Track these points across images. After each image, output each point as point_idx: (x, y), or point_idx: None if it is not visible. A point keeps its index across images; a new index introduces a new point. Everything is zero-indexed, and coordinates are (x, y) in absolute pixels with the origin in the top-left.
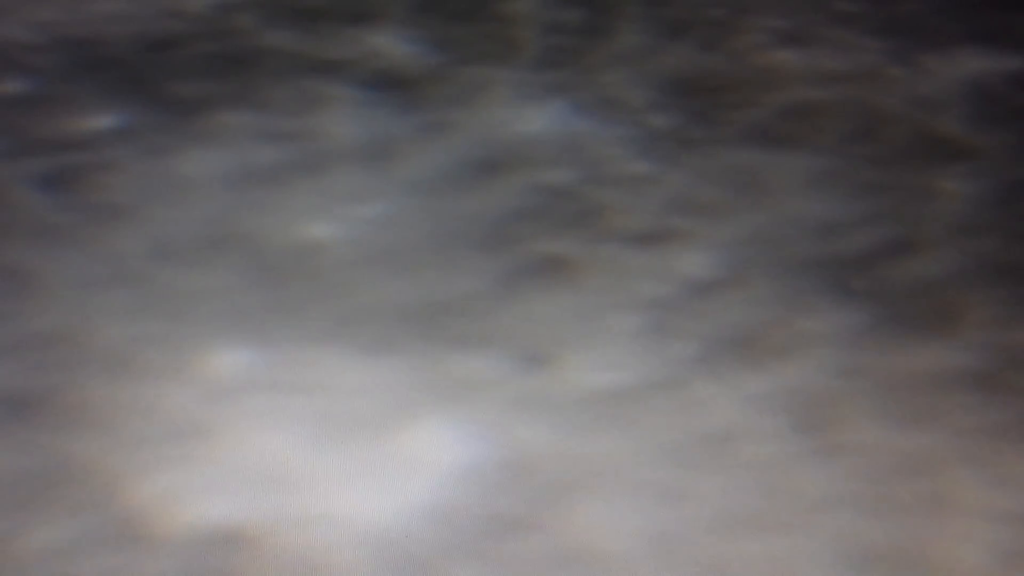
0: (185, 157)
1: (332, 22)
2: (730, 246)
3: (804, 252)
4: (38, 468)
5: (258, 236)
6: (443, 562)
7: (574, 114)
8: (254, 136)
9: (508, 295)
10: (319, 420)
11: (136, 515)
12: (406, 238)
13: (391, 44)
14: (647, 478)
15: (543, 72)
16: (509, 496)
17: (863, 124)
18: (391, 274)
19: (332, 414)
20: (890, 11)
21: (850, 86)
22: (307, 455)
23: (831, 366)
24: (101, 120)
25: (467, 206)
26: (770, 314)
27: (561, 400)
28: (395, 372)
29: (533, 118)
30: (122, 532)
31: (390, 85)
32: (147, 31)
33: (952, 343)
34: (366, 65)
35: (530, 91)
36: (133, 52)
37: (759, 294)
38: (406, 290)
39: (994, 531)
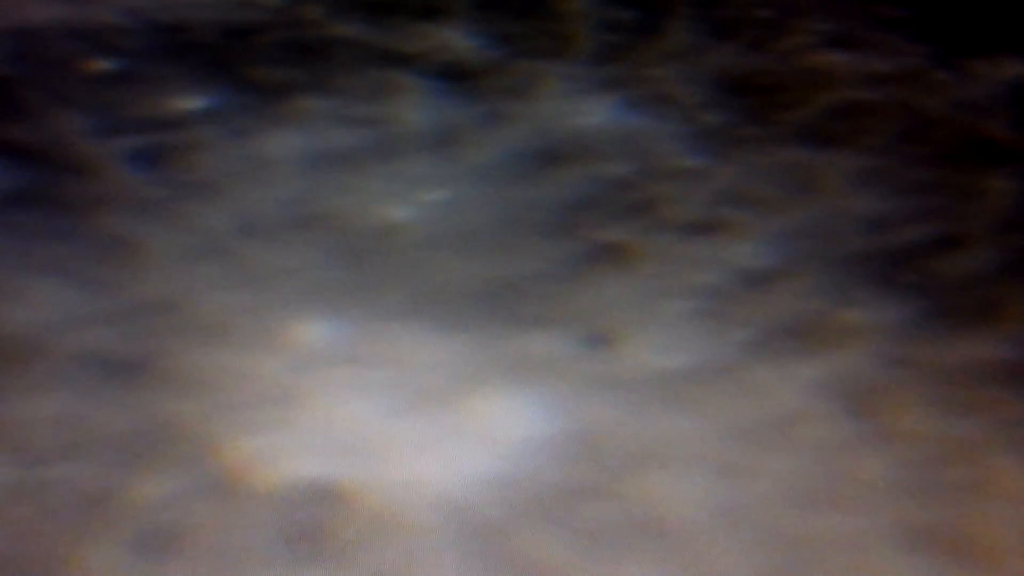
0: (267, 139)
1: (400, 16)
2: (781, 238)
3: (852, 246)
4: (141, 427)
5: (337, 216)
6: (512, 526)
7: (628, 109)
8: (330, 120)
9: (570, 278)
10: (397, 391)
11: (231, 473)
12: (474, 222)
13: (457, 38)
14: (710, 454)
15: (598, 67)
16: (576, 467)
17: (909, 125)
18: (461, 255)
19: (409, 386)
20: (932, 17)
21: (896, 88)
22: (386, 423)
23: (880, 355)
24: (188, 101)
25: (530, 193)
26: (821, 304)
27: (624, 379)
28: (467, 348)
29: (589, 111)
30: (218, 488)
31: (456, 76)
32: (226, 19)
33: (995, 336)
34: (433, 57)
35: (586, 85)
36: (214, 38)
37: (810, 285)
38: (475, 271)
39: None
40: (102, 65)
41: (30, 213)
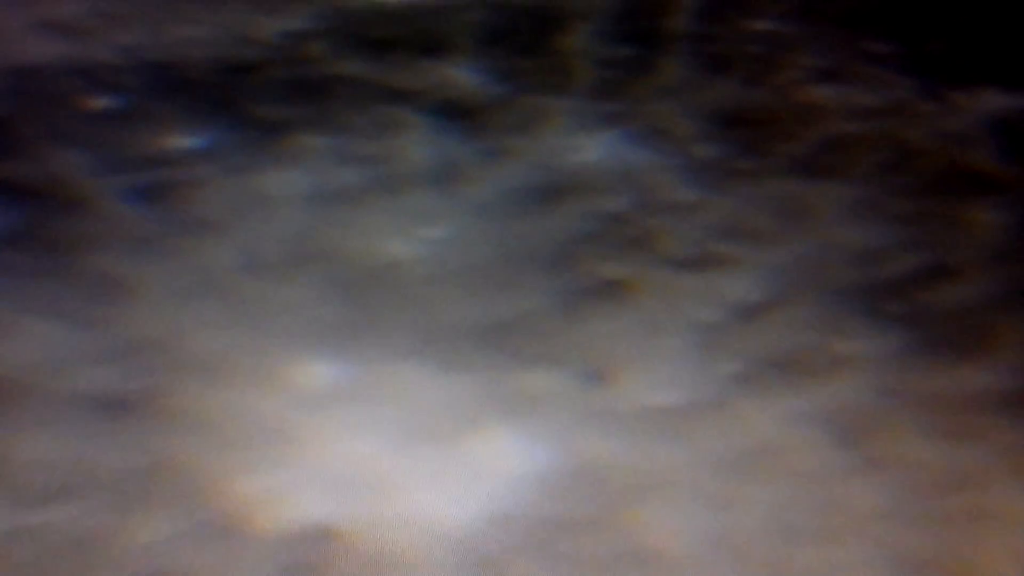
0: (266, 176)
1: (401, 53)
2: (774, 271)
3: (844, 277)
4: (138, 467)
5: (338, 253)
6: (514, 561)
7: (626, 143)
8: (331, 158)
9: (569, 314)
10: (397, 428)
11: (230, 513)
12: (475, 258)
13: (458, 75)
14: (705, 487)
15: (597, 103)
16: (574, 501)
17: (896, 156)
18: (462, 292)
19: (409, 422)
20: (918, 51)
21: (883, 121)
22: (388, 460)
23: (871, 385)
24: (186, 139)
25: (529, 229)
26: (813, 336)
27: (621, 413)
28: (468, 384)
29: (588, 146)
30: (217, 529)
31: (457, 113)
32: (225, 56)
33: (986, 365)
34: (435, 94)
35: (585, 120)
36: (213, 75)
37: (802, 316)
38: (476, 307)
39: None
40: (100, 103)
41: (27, 251)
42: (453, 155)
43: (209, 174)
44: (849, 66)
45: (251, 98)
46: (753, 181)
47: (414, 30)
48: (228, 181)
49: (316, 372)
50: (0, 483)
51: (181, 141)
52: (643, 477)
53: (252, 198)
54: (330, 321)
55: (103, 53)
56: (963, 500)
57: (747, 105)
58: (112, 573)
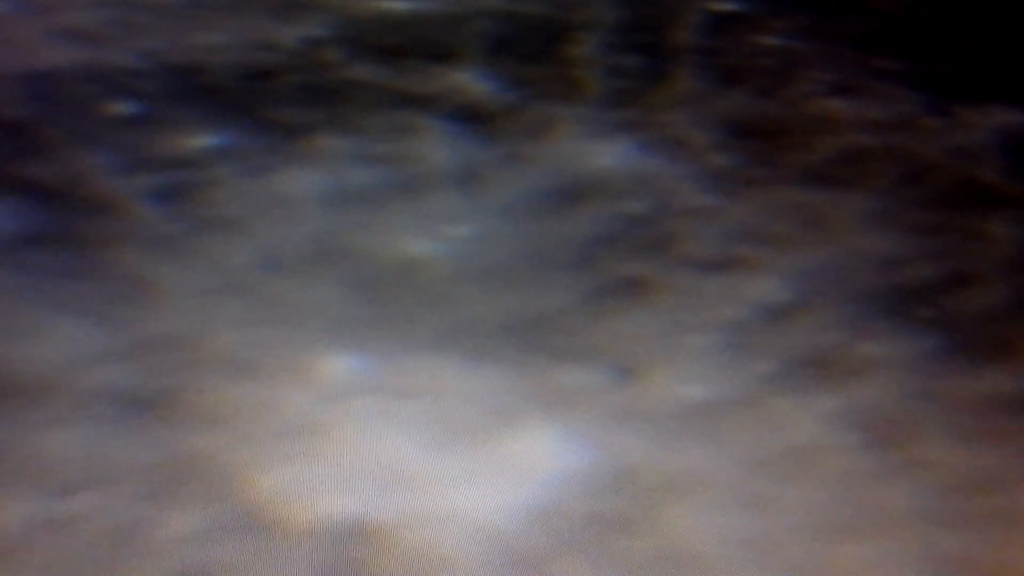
0: (285, 176)
1: (413, 60)
2: (796, 274)
3: (865, 282)
4: (167, 462)
5: (359, 251)
6: (548, 557)
7: (641, 150)
8: (349, 159)
9: (595, 312)
10: (427, 423)
11: (259, 507)
12: (497, 257)
13: (469, 81)
14: (737, 486)
15: (608, 111)
16: (607, 498)
17: (907, 169)
18: (486, 290)
19: (439, 418)
20: (926, 69)
21: (893, 134)
22: (417, 456)
23: (897, 387)
24: (205, 140)
25: (550, 230)
26: (838, 338)
27: (651, 410)
28: (495, 380)
29: (604, 152)
30: (247, 523)
31: (471, 118)
32: (244, 61)
33: (1011, 369)
34: (448, 99)
35: (598, 128)
36: (232, 80)
37: (826, 319)
38: (500, 305)
39: None
40: (121, 107)
41: (51, 251)
42: (469, 158)
43: (228, 174)
44: (859, 81)
45: (269, 101)
46: (770, 189)
47: (425, 38)
48: (247, 181)
49: (344, 368)
50: (30, 476)
51: (200, 142)
52: (674, 475)
53: (271, 198)
54: (355, 318)
55: (124, 59)
56: (989, 500)
57: (760, 116)
58: (143, 563)
